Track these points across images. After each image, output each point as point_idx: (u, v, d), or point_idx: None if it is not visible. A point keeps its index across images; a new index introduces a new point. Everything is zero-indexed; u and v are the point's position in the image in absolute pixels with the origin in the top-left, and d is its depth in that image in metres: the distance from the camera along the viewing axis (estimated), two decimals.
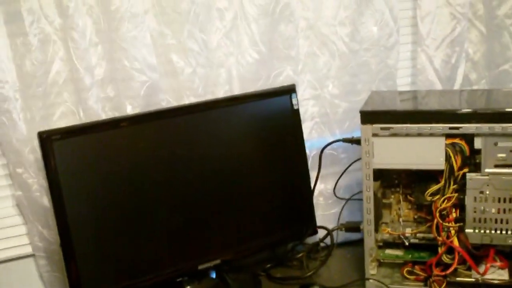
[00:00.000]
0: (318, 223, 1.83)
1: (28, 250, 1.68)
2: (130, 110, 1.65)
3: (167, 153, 1.57)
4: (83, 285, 1.48)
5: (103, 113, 1.64)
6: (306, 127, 1.83)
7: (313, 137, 1.90)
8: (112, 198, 1.51)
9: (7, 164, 1.61)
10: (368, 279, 1.64)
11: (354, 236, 1.84)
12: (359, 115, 1.55)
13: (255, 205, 1.71)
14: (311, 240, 1.88)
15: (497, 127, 1.44)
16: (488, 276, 1.56)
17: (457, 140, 1.49)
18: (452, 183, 1.52)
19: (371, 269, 1.65)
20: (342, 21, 1.82)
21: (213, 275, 1.69)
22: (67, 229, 1.45)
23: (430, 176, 1.56)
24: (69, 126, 1.55)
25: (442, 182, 1.52)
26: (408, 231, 1.64)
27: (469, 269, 1.58)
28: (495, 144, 1.47)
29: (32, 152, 1.58)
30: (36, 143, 1.51)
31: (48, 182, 1.43)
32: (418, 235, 1.63)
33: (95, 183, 1.49)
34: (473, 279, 1.57)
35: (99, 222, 1.50)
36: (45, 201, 1.62)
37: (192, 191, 1.60)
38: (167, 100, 1.70)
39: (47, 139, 1.41)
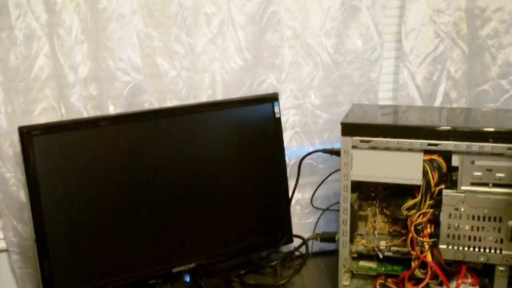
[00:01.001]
0: (294, 232, 1.84)
1: (2, 245, 1.66)
2: (112, 109, 1.65)
3: (147, 155, 1.57)
4: (56, 283, 1.47)
5: (85, 111, 1.64)
6: (286, 136, 1.84)
7: (293, 146, 1.91)
8: (90, 197, 1.50)
9: None
10: None
11: (329, 246, 1.85)
12: (339, 126, 1.56)
13: (232, 210, 1.71)
14: (286, 248, 1.89)
15: (475, 145, 1.47)
16: None
17: (435, 157, 1.51)
18: (428, 198, 1.53)
19: (344, 280, 1.66)
20: (328, 32, 1.83)
21: (187, 279, 1.69)
22: (42, 225, 1.44)
23: (407, 190, 1.58)
24: (50, 122, 1.55)
25: (419, 197, 1.54)
26: (382, 243, 1.66)
27: (440, 284, 1.58)
28: (472, 162, 1.49)
29: (11, 147, 1.57)
30: (15, 137, 1.51)
31: (26, 177, 1.42)
32: (392, 248, 1.65)
33: (74, 181, 1.48)
34: None
35: (75, 220, 1.49)
36: (22, 196, 1.61)
37: (170, 194, 1.60)
38: (150, 101, 1.70)
39: (27, 134, 1.40)
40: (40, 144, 1.42)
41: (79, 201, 1.49)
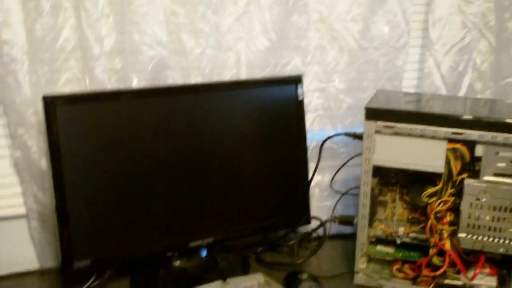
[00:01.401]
0: (312, 214, 1.84)
1: (22, 211, 1.67)
2: (136, 83, 1.65)
3: (169, 130, 1.57)
4: (74, 250, 1.48)
5: (109, 84, 1.64)
6: (308, 119, 1.83)
7: (315, 129, 1.90)
8: (110, 169, 1.51)
9: (8, 124, 1.60)
10: (357, 272, 1.65)
11: (346, 229, 1.86)
12: (362, 111, 1.56)
13: (252, 189, 1.71)
14: (303, 229, 1.89)
15: (500, 136, 1.45)
16: (476, 282, 1.58)
17: (458, 146, 1.50)
18: (449, 187, 1.53)
19: (361, 263, 1.66)
20: (355, 17, 1.82)
21: (204, 254, 1.70)
22: (63, 193, 1.45)
23: (428, 178, 1.56)
24: (74, 93, 1.56)
25: (440, 185, 1.53)
26: (401, 230, 1.65)
27: (458, 272, 1.59)
28: (496, 153, 1.47)
29: (35, 114, 1.58)
30: (39, 106, 1.52)
31: (48, 145, 1.43)
32: (410, 234, 1.64)
33: (95, 151, 1.49)
34: (461, 283, 1.58)
35: (96, 190, 1.50)
36: (43, 163, 1.62)
37: (190, 169, 1.61)
38: (174, 78, 1.70)
39: (51, 103, 1.41)
40: (64, 113, 1.43)
41: (99, 171, 1.50)
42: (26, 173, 1.63)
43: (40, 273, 1.70)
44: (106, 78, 1.63)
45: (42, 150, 1.61)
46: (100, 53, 1.60)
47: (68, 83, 1.62)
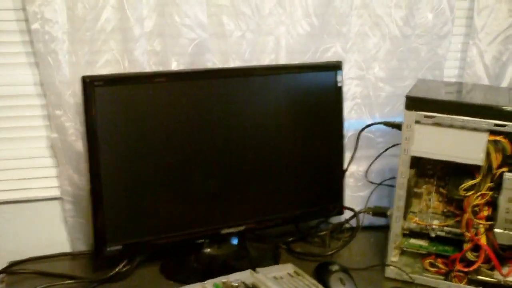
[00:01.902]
0: (346, 204, 1.83)
1: (56, 193, 1.69)
2: (175, 66, 1.65)
3: (205, 114, 1.56)
4: (107, 234, 1.49)
5: (148, 66, 1.64)
6: (346, 107, 1.81)
7: (352, 117, 1.88)
8: (147, 152, 1.51)
9: (46, 105, 1.61)
10: (388, 265, 1.64)
11: (379, 221, 1.84)
12: (401, 101, 1.54)
13: (285, 177, 1.70)
14: (336, 219, 1.88)
15: None
16: (510, 279, 1.54)
17: (500, 138, 1.46)
18: (488, 180, 1.50)
19: (393, 256, 1.64)
20: (398, 3, 1.79)
21: (235, 242, 1.70)
22: (98, 176, 1.45)
23: (466, 171, 1.53)
24: (113, 74, 1.57)
25: (479, 178, 1.50)
26: (435, 223, 1.63)
27: (492, 269, 1.56)
28: None
29: (73, 96, 1.58)
30: (78, 87, 1.53)
31: (85, 127, 1.43)
32: (445, 228, 1.61)
33: (132, 135, 1.49)
34: (495, 280, 1.55)
35: (131, 174, 1.50)
36: (80, 146, 1.62)
37: (225, 155, 1.60)
38: (213, 61, 1.69)
39: (90, 84, 1.41)
40: (102, 95, 1.43)
41: (136, 155, 1.50)
42: (62, 155, 1.63)
43: (72, 256, 1.72)
44: (145, 61, 1.62)
45: (79, 132, 1.61)
46: (140, 34, 1.59)
47: (107, 64, 1.62)
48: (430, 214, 1.66)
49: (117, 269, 1.57)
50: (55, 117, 1.59)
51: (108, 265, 1.57)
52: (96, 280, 1.56)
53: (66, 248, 1.74)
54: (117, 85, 1.46)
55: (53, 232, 1.73)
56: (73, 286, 1.55)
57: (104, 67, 1.61)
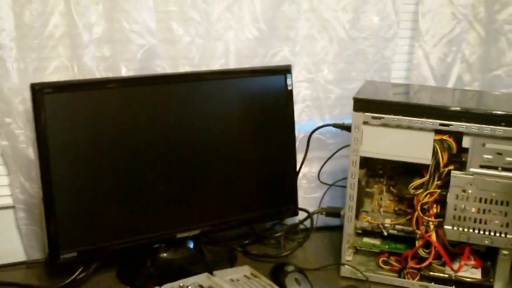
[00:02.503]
0: (299, 205, 1.84)
1: (9, 201, 1.66)
2: (125, 72, 1.64)
3: (157, 119, 1.56)
4: (61, 241, 1.47)
5: (97, 72, 1.63)
6: (296, 109, 1.82)
7: (303, 119, 1.90)
8: (98, 158, 1.50)
9: None
10: (343, 264, 1.66)
11: (333, 221, 1.86)
12: (350, 102, 1.56)
13: (239, 180, 1.71)
14: (290, 221, 1.90)
15: (487, 128, 1.46)
16: (461, 274, 1.58)
17: (445, 137, 1.51)
18: (436, 178, 1.54)
19: (347, 255, 1.67)
20: (345, 7, 1.82)
21: (191, 245, 1.70)
22: (50, 184, 1.44)
23: (415, 170, 1.57)
24: (62, 81, 1.56)
25: (427, 176, 1.54)
26: (387, 221, 1.66)
27: (443, 264, 1.60)
28: (483, 145, 1.48)
29: (22, 103, 1.56)
30: (27, 94, 1.51)
31: (36, 134, 1.42)
32: (397, 226, 1.65)
33: (83, 141, 1.48)
34: (446, 275, 1.59)
35: (83, 180, 1.49)
36: (30, 153, 1.60)
37: (177, 160, 1.60)
38: (163, 66, 1.69)
39: (39, 92, 1.40)
40: (52, 102, 1.42)
41: (87, 161, 1.49)
42: (13, 163, 1.61)
43: (27, 265, 1.69)
44: (94, 66, 1.61)
45: (29, 139, 1.59)
46: (89, 40, 1.59)
47: (57, 71, 1.60)
48: (382, 213, 1.69)
49: (73, 276, 1.55)
50: (5, 124, 1.57)
51: (64, 272, 1.55)
52: (52, 287, 1.54)
53: (20, 257, 1.71)
54: (67, 92, 1.45)
55: (7, 240, 1.70)
56: None
57: (53, 74, 1.60)
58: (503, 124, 1.45)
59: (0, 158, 1.64)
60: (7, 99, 1.55)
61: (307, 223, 1.87)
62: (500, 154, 1.48)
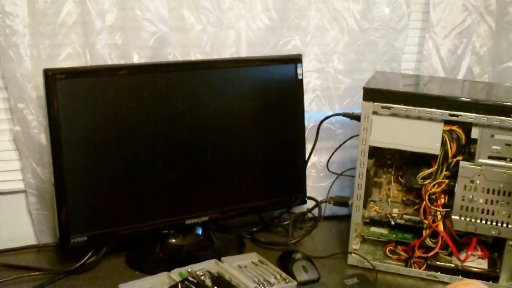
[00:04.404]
0: (308, 194, 1.85)
1: (20, 186, 1.68)
2: (136, 59, 1.66)
3: (168, 107, 1.58)
4: (71, 226, 1.49)
5: (109, 60, 1.64)
6: (306, 99, 1.83)
7: (313, 109, 1.91)
8: (109, 144, 1.52)
9: (8, 98, 1.60)
10: (350, 253, 1.67)
11: (341, 211, 1.88)
12: (360, 93, 1.57)
13: (248, 168, 1.72)
14: (298, 209, 1.91)
15: (496, 119, 1.46)
16: (467, 264, 1.59)
17: (454, 128, 1.52)
18: (444, 169, 1.54)
19: (355, 244, 1.68)
20: None
21: (199, 232, 1.71)
22: (61, 169, 1.46)
23: (423, 160, 1.58)
24: (75, 67, 1.58)
25: (435, 167, 1.54)
26: (395, 211, 1.67)
27: (450, 254, 1.61)
28: (492, 136, 1.49)
29: (35, 89, 1.58)
30: (40, 80, 1.53)
31: (48, 120, 1.44)
32: (404, 216, 1.66)
33: (94, 127, 1.50)
34: (453, 265, 1.60)
35: (94, 166, 1.51)
36: (43, 138, 1.62)
37: (188, 147, 1.62)
38: (174, 54, 1.71)
39: (52, 77, 1.41)
40: (64, 88, 1.43)
41: (98, 147, 1.51)
42: (25, 148, 1.63)
43: (37, 249, 1.71)
44: (106, 54, 1.63)
45: (41, 125, 1.61)
46: (102, 28, 1.60)
47: (69, 58, 1.62)
48: (390, 202, 1.70)
49: (83, 261, 1.57)
50: (18, 110, 1.59)
51: (74, 256, 1.57)
52: (62, 271, 1.56)
53: (31, 241, 1.72)
54: (79, 78, 1.47)
55: (18, 225, 1.71)
56: (39, 278, 1.54)
57: (65, 61, 1.62)
58: None
59: (13, 143, 1.66)
60: (20, 85, 1.57)
61: (315, 212, 1.88)
62: (508, 145, 1.48)
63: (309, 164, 1.89)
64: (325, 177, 1.96)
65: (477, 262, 1.60)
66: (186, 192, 1.64)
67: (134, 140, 1.55)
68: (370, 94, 1.55)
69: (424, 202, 1.57)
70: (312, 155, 1.87)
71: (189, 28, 1.71)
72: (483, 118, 1.47)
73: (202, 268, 1.52)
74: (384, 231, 1.71)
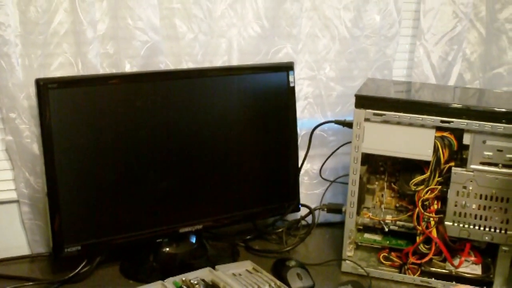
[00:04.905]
0: (301, 202, 1.86)
1: (13, 195, 1.67)
2: (128, 68, 1.66)
3: (160, 115, 1.58)
4: (65, 235, 1.49)
5: (101, 69, 1.65)
6: (298, 106, 1.83)
7: (305, 116, 1.91)
8: (102, 153, 1.52)
9: (0, 108, 1.60)
10: (344, 259, 1.67)
11: (334, 218, 1.88)
12: (352, 100, 1.57)
13: (241, 175, 1.73)
14: (292, 217, 1.91)
15: (487, 125, 1.47)
16: (461, 270, 1.60)
17: (446, 134, 1.52)
18: (437, 175, 1.55)
19: (349, 251, 1.68)
20: (347, 5, 1.83)
21: (193, 240, 1.71)
22: (54, 179, 1.46)
23: (416, 166, 1.59)
24: (67, 76, 1.58)
25: (428, 173, 1.55)
26: (388, 217, 1.67)
27: (443, 260, 1.61)
28: (484, 142, 1.50)
29: (27, 99, 1.58)
30: (32, 90, 1.53)
31: (40, 129, 1.44)
32: (398, 222, 1.66)
33: (87, 136, 1.49)
34: (446, 271, 1.60)
35: (87, 175, 1.51)
36: (35, 148, 1.62)
37: (181, 155, 1.62)
38: (166, 63, 1.71)
39: (44, 87, 1.41)
40: (56, 97, 1.43)
41: (91, 156, 1.51)
42: (18, 158, 1.63)
43: (31, 259, 1.71)
44: (98, 63, 1.63)
45: (34, 134, 1.61)
46: (93, 37, 1.60)
47: (61, 67, 1.62)
48: (383, 209, 1.70)
49: (76, 270, 1.57)
50: (10, 120, 1.58)
51: (68, 266, 1.57)
52: (56, 281, 1.55)
53: (24, 251, 1.72)
54: (71, 87, 1.47)
55: (11, 235, 1.71)
56: None
57: (57, 70, 1.62)
58: (503, 121, 1.46)
59: (5, 153, 1.65)
60: (12, 95, 1.56)
61: (309, 219, 1.88)
62: (500, 151, 1.49)
63: (302, 171, 1.89)
64: (318, 184, 1.96)
65: (470, 267, 1.61)
66: (179, 201, 1.64)
67: (127, 149, 1.55)
68: (362, 101, 1.56)
69: (417, 208, 1.58)
70: (305, 163, 1.87)
71: (180, 37, 1.71)
72: (475, 124, 1.48)
73: (196, 276, 1.52)
74: (377, 237, 1.72)
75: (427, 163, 1.55)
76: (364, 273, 1.64)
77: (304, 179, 1.95)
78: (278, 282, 1.53)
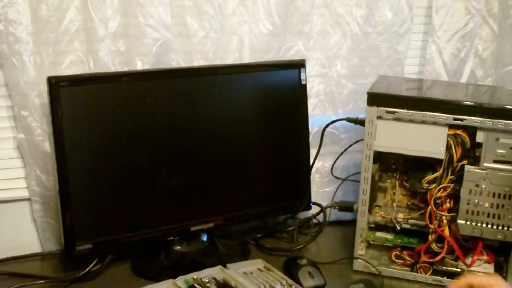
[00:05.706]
0: (312, 200, 1.85)
1: (25, 193, 1.67)
2: (140, 66, 1.65)
3: (171, 113, 1.58)
4: (76, 233, 1.49)
5: (113, 67, 1.64)
6: (310, 104, 1.83)
7: (316, 114, 1.91)
8: (114, 151, 1.52)
9: (12, 105, 1.60)
10: (356, 258, 1.66)
11: (346, 216, 1.87)
12: (363, 97, 1.57)
13: (252, 173, 1.72)
14: (303, 215, 1.90)
15: (501, 123, 1.46)
16: (473, 268, 1.59)
17: (459, 132, 1.51)
18: (449, 173, 1.54)
19: (360, 249, 1.67)
20: (359, 2, 1.83)
21: (204, 238, 1.71)
22: (66, 176, 1.46)
23: (428, 164, 1.58)
24: (78, 74, 1.58)
25: (440, 171, 1.54)
26: (400, 216, 1.67)
27: (456, 259, 1.61)
28: (497, 139, 1.48)
29: (39, 97, 1.58)
30: (43, 87, 1.53)
31: (52, 127, 1.44)
32: (410, 221, 1.66)
33: (98, 134, 1.50)
34: (459, 270, 1.59)
35: (98, 173, 1.51)
36: (46, 146, 1.62)
37: (192, 153, 1.62)
38: (177, 60, 1.70)
39: (55, 85, 1.41)
40: (68, 95, 1.43)
41: (102, 154, 1.51)
42: (29, 156, 1.62)
43: (42, 257, 1.71)
44: (110, 61, 1.63)
45: (45, 132, 1.61)
46: (105, 35, 1.60)
47: (72, 65, 1.62)
48: (395, 207, 1.70)
49: (88, 268, 1.57)
50: (21, 117, 1.58)
51: (79, 264, 1.57)
52: (67, 279, 1.55)
53: (36, 248, 1.72)
54: (83, 85, 1.47)
55: (22, 233, 1.71)
56: (44, 286, 1.54)
57: (69, 68, 1.62)
58: None
59: (17, 151, 1.65)
60: (24, 93, 1.56)
61: (320, 217, 1.88)
62: None
63: (313, 169, 1.88)
64: (329, 182, 1.96)
65: (483, 266, 1.59)
66: (190, 199, 1.64)
67: (138, 146, 1.55)
68: (374, 99, 1.55)
69: (429, 207, 1.57)
70: (316, 160, 1.86)
71: (192, 34, 1.70)
72: (488, 122, 1.47)
73: (208, 275, 1.51)
74: (389, 236, 1.71)
75: (439, 161, 1.54)
76: (376, 272, 1.63)
77: (316, 177, 1.94)
78: (290, 281, 1.52)
